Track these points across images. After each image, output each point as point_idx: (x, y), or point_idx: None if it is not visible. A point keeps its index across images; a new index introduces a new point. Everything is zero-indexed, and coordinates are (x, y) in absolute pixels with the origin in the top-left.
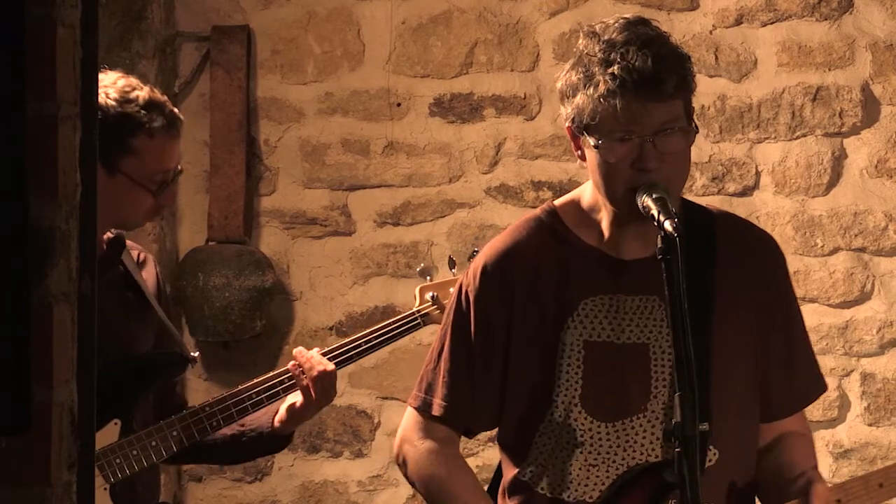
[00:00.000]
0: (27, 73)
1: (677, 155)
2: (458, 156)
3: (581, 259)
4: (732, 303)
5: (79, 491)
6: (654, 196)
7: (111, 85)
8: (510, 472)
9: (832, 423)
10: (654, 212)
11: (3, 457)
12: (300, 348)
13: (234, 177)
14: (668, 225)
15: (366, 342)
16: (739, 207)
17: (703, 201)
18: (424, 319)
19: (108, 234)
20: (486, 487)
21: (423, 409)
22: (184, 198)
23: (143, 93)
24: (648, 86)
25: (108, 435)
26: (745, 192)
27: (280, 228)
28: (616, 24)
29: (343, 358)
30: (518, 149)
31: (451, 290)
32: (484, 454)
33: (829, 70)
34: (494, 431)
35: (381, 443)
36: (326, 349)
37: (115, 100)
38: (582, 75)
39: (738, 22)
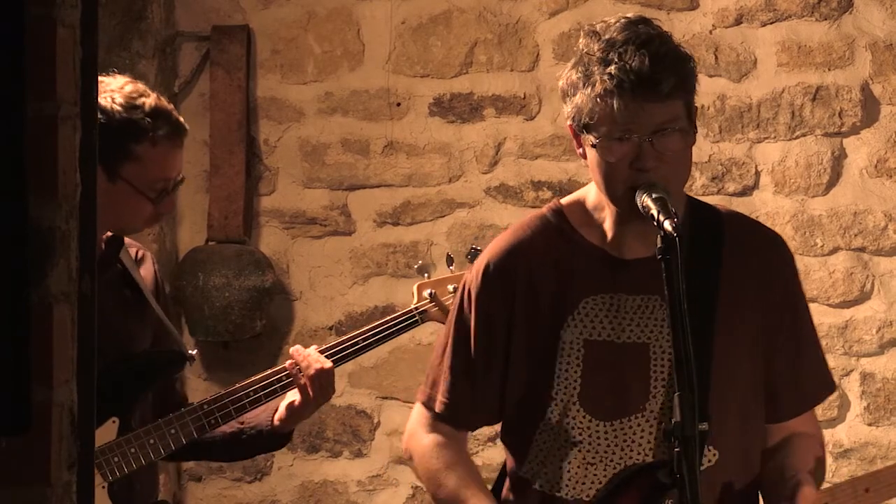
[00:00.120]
0: (27, 73)
1: (676, 154)
2: (458, 156)
3: (583, 258)
4: (737, 302)
5: (79, 491)
6: (653, 196)
7: (118, 90)
8: (512, 468)
9: (832, 422)
10: (654, 211)
11: (2, 457)
12: (297, 346)
13: (233, 177)
14: (667, 224)
15: (364, 340)
16: (739, 207)
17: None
18: (422, 317)
19: (107, 233)
20: (490, 486)
21: (429, 404)
22: (184, 198)
23: (149, 100)
24: (645, 86)
25: (106, 433)
26: (745, 191)
27: (280, 228)
28: (617, 24)
29: (342, 355)
30: (518, 149)
31: (450, 287)
32: (484, 454)
33: (829, 70)
34: (496, 429)
35: (380, 442)
36: (325, 346)
37: (121, 105)
38: (581, 74)
39: (738, 22)
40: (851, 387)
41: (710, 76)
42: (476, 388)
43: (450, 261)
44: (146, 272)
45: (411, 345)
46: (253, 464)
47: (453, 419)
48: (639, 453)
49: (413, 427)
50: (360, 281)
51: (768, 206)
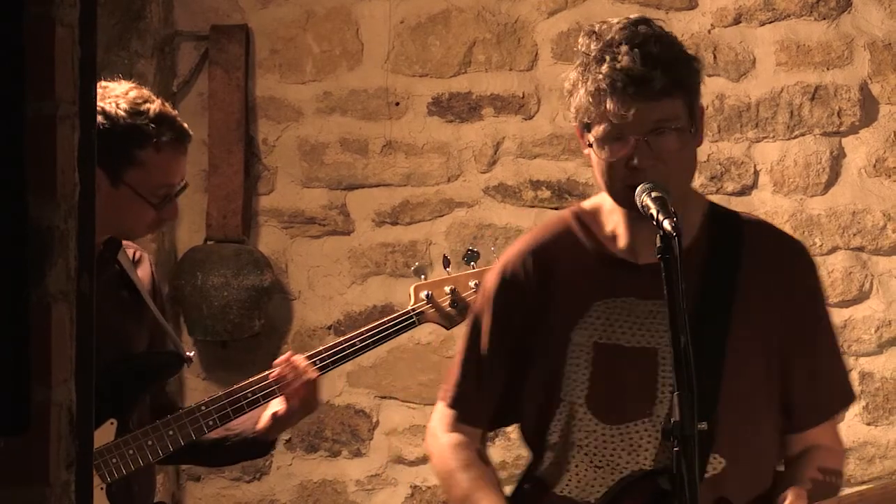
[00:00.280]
0: (26, 73)
1: (673, 154)
2: (457, 155)
3: (597, 261)
4: (753, 310)
5: (77, 490)
6: (653, 195)
7: (122, 95)
8: (530, 469)
9: None
10: (653, 211)
11: (1, 456)
12: (284, 356)
13: (232, 176)
14: (666, 224)
15: (360, 341)
16: (738, 207)
17: None
18: (419, 318)
19: (104, 239)
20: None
21: (447, 403)
22: (182, 197)
23: (154, 105)
24: (636, 84)
25: (104, 434)
26: (744, 191)
27: (278, 228)
28: (617, 24)
29: (338, 357)
30: (516, 148)
31: (446, 288)
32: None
33: (828, 69)
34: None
35: (379, 442)
36: (322, 348)
37: (126, 111)
38: (579, 74)
39: (737, 21)
40: None
41: (709, 76)
42: (487, 387)
43: (446, 262)
44: (143, 273)
45: (410, 344)
46: (252, 463)
47: (466, 418)
48: (644, 458)
49: (433, 426)
50: (359, 280)
51: (767, 206)
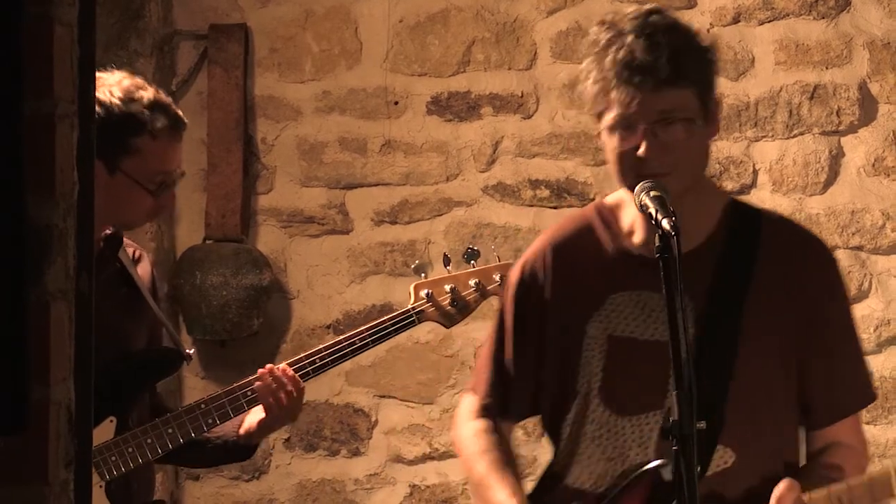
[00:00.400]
0: (25, 72)
1: (680, 144)
2: (456, 154)
3: (614, 255)
4: (768, 306)
5: (76, 489)
6: (651, 195)
7: (116, 84)
8: (549, 461)
9: None
10: (652, 210)
11: (0, 455)
12: (268, 366)
13: (231, 175)
14: (665, 223)
15: (360, 340)
16: None
17: None
18: (419, 317)
19: (106, 231)
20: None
21: (474, 394)
22: (181, 196)
23: (147, 93)
24: (641, 73)
25: (103, 432)
26: (743, 190)
27: (277, 227)
28: (629, 14)
29: (338, 356)
30: (515, 147)
31: (447, 287)
32: None
33: (827, 68)
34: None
35: (378, 441)
36: (322, 346)
37: (120, 99)
38: (589, 62)
39: (736, 20)
40: None
41: None
42: (512, 379)
43: (446, 261)
44: (143, 272)
45: (409, 343)
46: (251, 462)
47: (492, 408)
48: (654, 451)
49: (459, 416)
50: (358, 280)
51: (766, 205)
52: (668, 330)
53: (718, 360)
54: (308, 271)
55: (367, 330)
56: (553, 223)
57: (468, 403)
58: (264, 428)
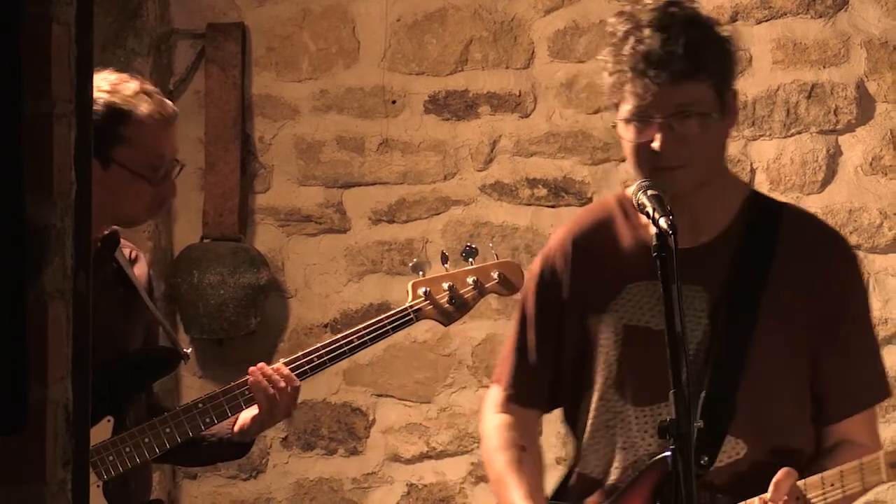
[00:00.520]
0: (23, 71)
1: (695, 138)
2: (453, 153)
3: (632, 246)
4: (784, 298)
5: (74, 489)
6: (649, 193)
7: (102, 80)
8: (571, 451)
9: None
10: (650, 209)
11: None
12: (261, 364)
13: (228, 174)
14: (662, 222)
15: (358, 338)
16: None
17: None
18: (417, 315)
19: (104, 232)
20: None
21: (499, 385)
22: (179, 195)
23: (132, 84)
24: (656, 67)
25: (101, 432)
26: None
27: (275, 226)
28: (648, 5)
29: (335, 354)
30: (513, 146)
31: (444, 285)
32: None
33: (824, 67)
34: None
35: (375, 440)
36: (320, 345)
37: (105, 92)
38: (607, 54)
39: (734, 19)
40: None
41: None
42: (536, 369)
43: (444, 259)
44: (139, 272)
45: (407, 342)
46: (248, 461)
47: (518, 399)
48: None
49: (484, 407)
50: (355, 278)
51: None
52: (665, 329)
53: (731, 352)
54: (305, 270)
55: (365, 328)
56: (571, 217)
57: (493, 395)
58: (258, 425)
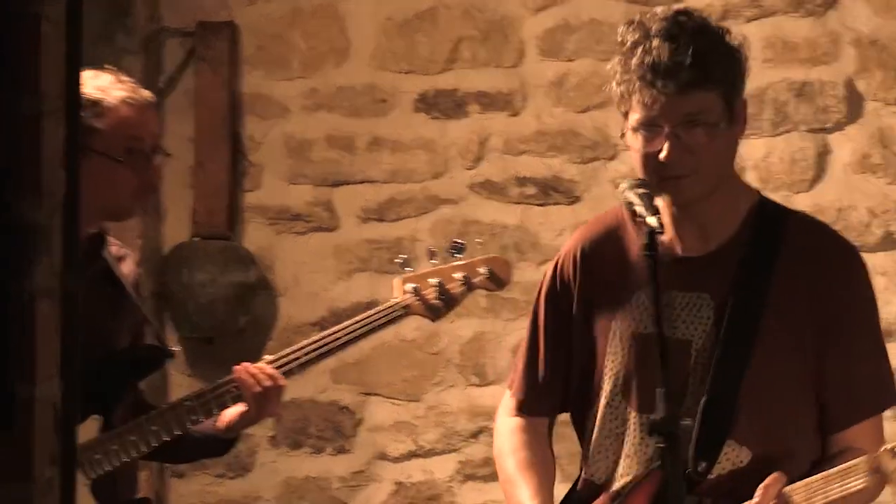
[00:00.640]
0: (11, 68)
1: (703, 147)
2: (443, 152)
3: (641, 253)
4: (788, 305)
5: (62, 487)
6: (638, 191)
7: None
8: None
9: None
10: (637, 207)
11: None
12: (245, 364)
13: (218, 173)
14: (651, 220)
15: (345, 335)
16: None
17: None
18: (404, 311)
19: (92, 229)
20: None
21: (511, 392)
22: (168, 193)
23: (102, 77)
24: (664, 76)
25: (87, 431)
26: None
27: (264, 224)
28: (658, 15)
29: (322, 352)
30: (502, 145)
31: (432, 280)
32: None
33: (814, 66)
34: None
35: (363, 439)
36: (306, 341)
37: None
38: (616, 64)
39: (723, 18)
40: None
41: None
42: (542, 376)
43: (431, 255)
44: (127, 270)
45: (395, 340)
46: (236, 460)
47: (527, 405)
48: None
49: (499, 412)
50: (345, 277)
51: None
52: (655, 328)
53: (733, 359)
54: (295, 268)
55: (352, 325)
56: (589, 220)
57: (507, 399)
58: (244, 421)
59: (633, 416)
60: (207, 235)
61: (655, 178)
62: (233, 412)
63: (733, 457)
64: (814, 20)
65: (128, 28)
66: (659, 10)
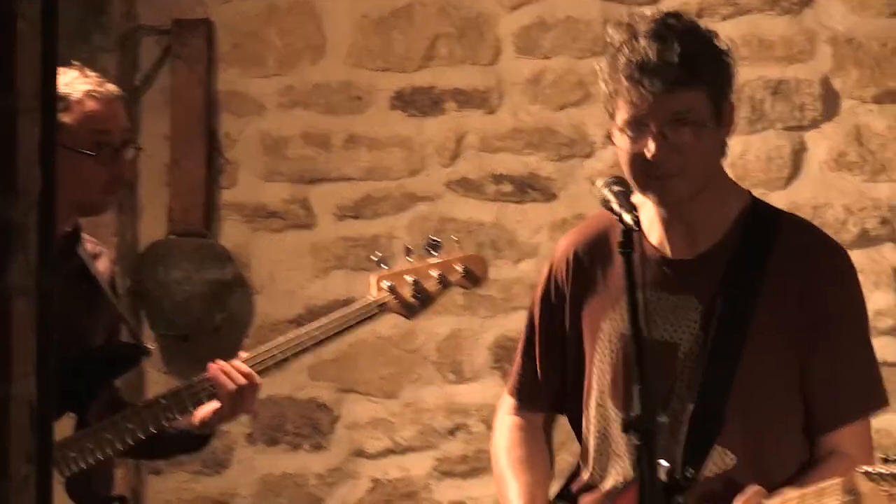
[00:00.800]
0: None
1: (689, 146)
2: (419, 149)
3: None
4: (777, 307)
5: (38, 485)
6: (614, 189)
7: None
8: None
9: None
10: (613, 204)
11: None
12: (219, 361)
13: (194, 170)
14: (627, 218)
15: (321, 332)
16: None
17: None
18: (381, 309)
19: (66, 228)
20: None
21: (508, 390)
22: (144, 191)
23: (69, 73)
24: (651, 75)
25: (62, 429)
26: None
27: (240, 222)
28: (648, 17)
29: (298, 350)
30: (479, 142)
31: (408, 278)
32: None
33: (790, 64)
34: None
35: (340, 436)
36: (282, 338)
37: None
38: (604, 64)
39: (699, 16)
40: None
41: None
42: (537, 376)
43: (408, 252)
44: (102, 267)
45: (371, 338)
46: (212, 457)
47: (524, 404)
48: (657, 450)
49: (499, 409)
50: (321, 274)
51: None
52: (630, 326)
53: (722, 363)
54: (271, 266)
55: (328, 323)
56: (585, 221)
57: (506, 399)
58: (218, 418)
59: (620, 418)
60: (183, 233)
61: (643, 178)
62: (207, 409)
63: (719, 461)
64: (790, 18)
65: (103, 26)
66: (648, 11)
